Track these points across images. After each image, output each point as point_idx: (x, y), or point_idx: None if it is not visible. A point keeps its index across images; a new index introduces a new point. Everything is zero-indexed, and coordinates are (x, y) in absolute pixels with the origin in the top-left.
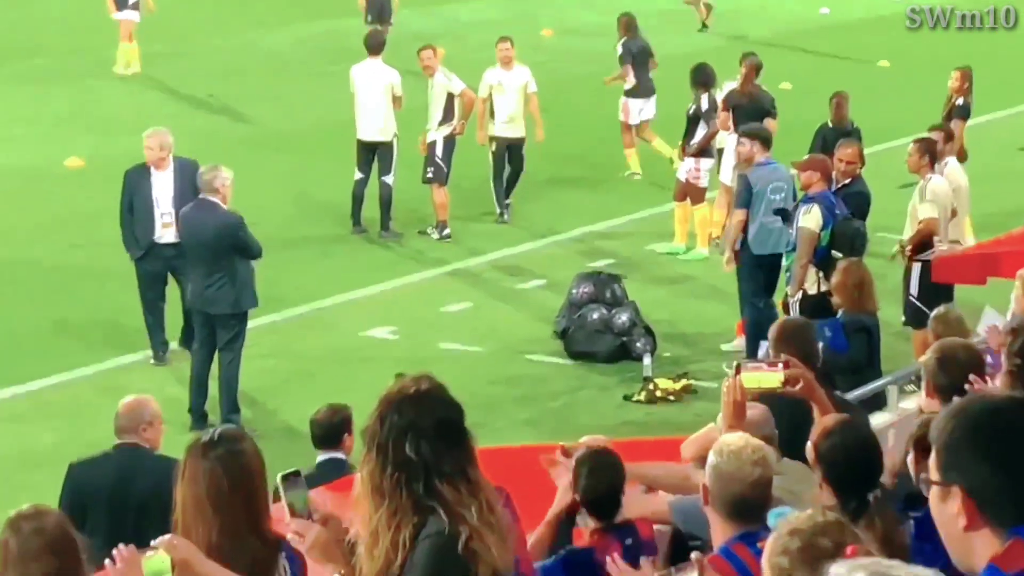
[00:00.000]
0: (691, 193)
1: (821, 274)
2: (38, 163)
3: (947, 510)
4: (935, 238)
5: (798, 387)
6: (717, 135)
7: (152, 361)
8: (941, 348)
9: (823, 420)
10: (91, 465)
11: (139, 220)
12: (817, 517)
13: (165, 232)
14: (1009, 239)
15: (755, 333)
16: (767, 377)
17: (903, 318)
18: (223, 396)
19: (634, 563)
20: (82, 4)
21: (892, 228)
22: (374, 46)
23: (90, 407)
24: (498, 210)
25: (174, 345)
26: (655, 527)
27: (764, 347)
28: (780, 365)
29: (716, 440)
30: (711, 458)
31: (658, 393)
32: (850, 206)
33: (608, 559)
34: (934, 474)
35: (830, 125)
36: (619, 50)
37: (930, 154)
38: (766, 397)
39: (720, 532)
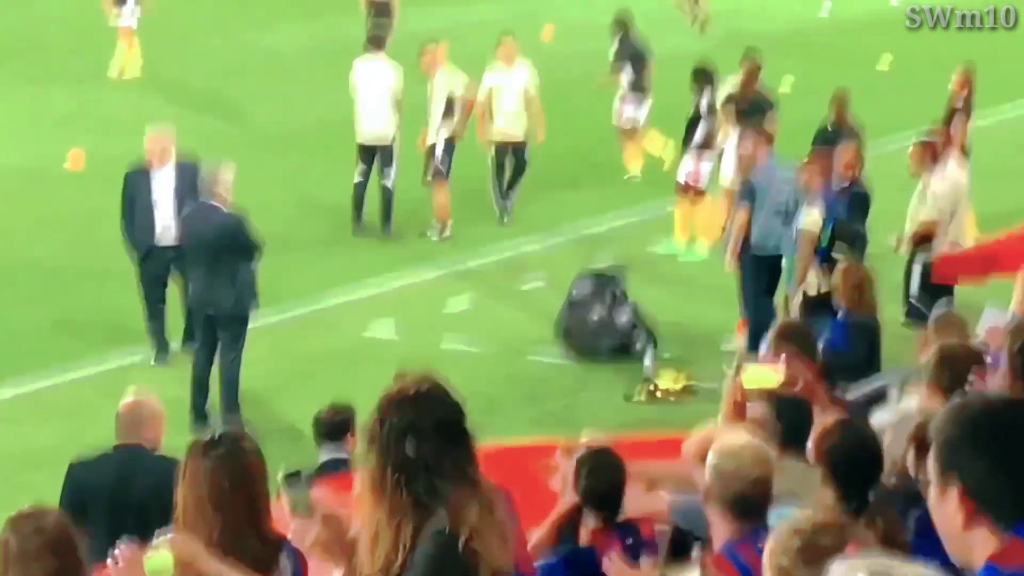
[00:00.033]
0: (691, 193)
1: (821, 275)
2: (38, 163)
3: (945, 508)
4: (935, 238)
5: (798, 387)
6: (717, 135)
7: (153, 362)
8: (941, 348)
9: (824, 420)
10: (91, 465)
11: (139, 222)
12: (818, 516)
13: (166, 233)
14: (1009, 239)
15: (756, 333)
16: (767, 377)
17: (903, 318)
18: (224, 396)
19: (636, 562)
20: (82, 4)
21: (892, 229)
22: (376, 42)
23: (90, 408)
24: (498, 211)
25: (175, 346)
26: (656, 526)
27: (764, 347)
28: (781, 365)
29: (717, 439)
30: (711, 457)
31: (659, 393)
32: (850, 207)
33: (605, 558)
34: (933, 473)
35: (830, 126)
36: (614, 49)
37: (931, 154)
38: (767, 397)
39: (721, 531)
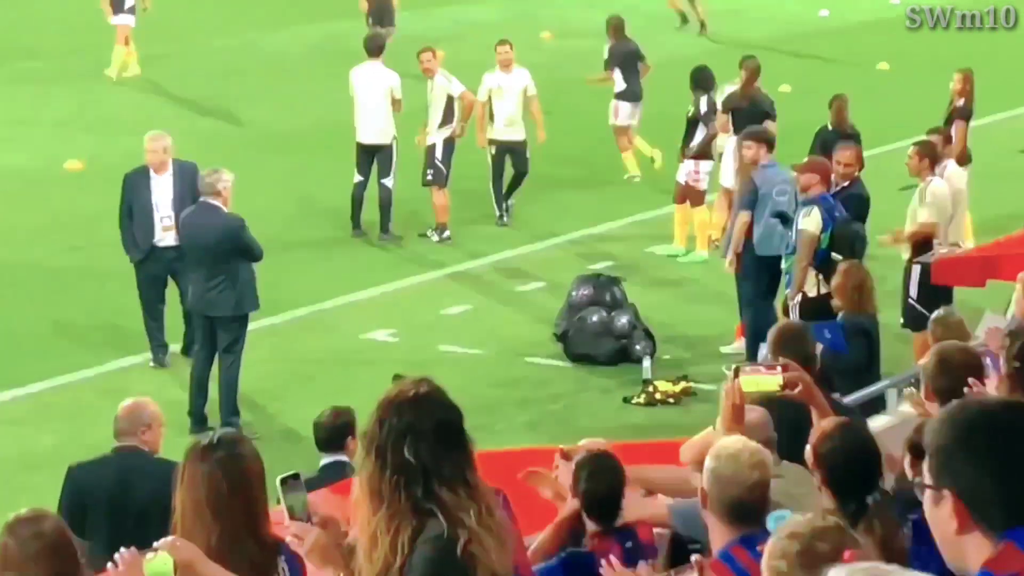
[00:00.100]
0: (691, 196)
1: (821, 276)
2: (38, 165)
3: (940, 513)
4: (935, 241)
5: (797, 390)
6: (716, 138)
7: (152, 364)
8: (940, 351)
9: (822, 423)
10: (91, 468)
11: (139, 223)
12: (816, 521)
13: (165, 235)
14: (1008, 242)
15: (755, 336)
16: (766, 380)
17: (902, 320)
18: (223, 399)
19: (634, 566)
20: (82, 5)
21: (891, 231)
22: (373, 48)
23: (90, 409)
24: (498, 212)
25: (174, 348)
26: (655, 530)
27: (764, 350)
28: (779, 368)
29: (714, 443)
30: (709, 462)
31: (658, 396)
32: (849, 209)
33: (603, 562)
34: (927, 478)
35: (830, 128)
36: (605, 53)
37: (930, 157)
38: (765, 400)
39: (718, 536)
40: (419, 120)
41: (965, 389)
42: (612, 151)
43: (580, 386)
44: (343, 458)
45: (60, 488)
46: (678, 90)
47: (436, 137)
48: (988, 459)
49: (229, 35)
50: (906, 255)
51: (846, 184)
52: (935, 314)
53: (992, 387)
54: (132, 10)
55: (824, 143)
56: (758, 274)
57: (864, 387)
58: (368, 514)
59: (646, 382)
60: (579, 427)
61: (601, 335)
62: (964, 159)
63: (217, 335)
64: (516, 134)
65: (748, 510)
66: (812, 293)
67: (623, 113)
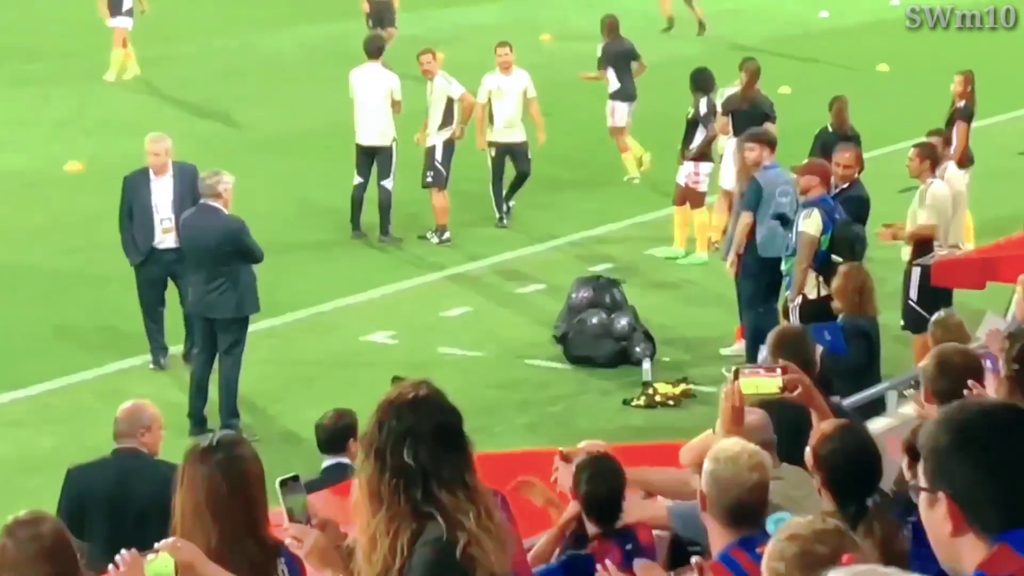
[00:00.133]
0: (690, 198)
1: (821, 278)
2: (37, 166)
3: (934, 516)
4: (935, 242)
5: (796, 393)
6: (716, 140)
7: (151, 366)
8: (939, 353)
9: (822, 425)
10: (90, 470)
11: (139, 225)
12: (816, 524)
13: (165, 237)
14: (1008, 244)
15: (755, 338)
16: (765, 383)
17: (902, 322)
18: (223, 401)
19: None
20: (81, 6)
21: (889, 224)
22: (373, 50)
23: (90, 411)
24: (497, 214)
25: (173, 350)
26: (654, 532)
27: (764, 352)
28: (778, 371)
29: (713, 445)
30: (707, 464)
31: (657, 398)
32: (848, 210)
33: (599, 567)
34: (922, 480)
35: (830, 129)
36: (599, 52)
37: (931, 159)
38: (765, 403)
39: (718, 538)
40: (419, 122)
41: (965, 391)
42: (612, 153)
43: (580, 388)
44: (345, 460)
45: (59, 490)
46: (677, 92)
47: (436, 139)
48: (982, 461)
49: (228, 36)
50: (906, 256)
51: (846, 186)
52: (935, 316)
53: (992, 389)
54: (130, 12)
55: (824, 145)
56: (759, 275)
57: (864, 389)
58: (367, 516)
59: (646, 384)
60: (578, 429)
61: (601, 337)
62: (966, 161)
63: (218, 337)
64: (516, 135)
65: (747, 512)
66: (812, 295)
67: (620, 113)
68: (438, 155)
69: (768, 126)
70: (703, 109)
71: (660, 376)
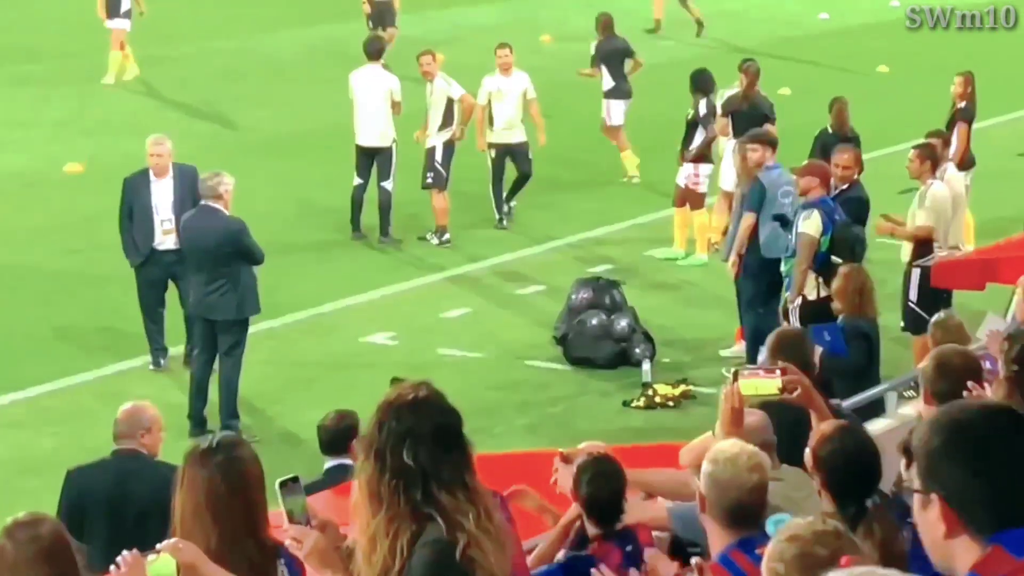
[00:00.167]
0: (690, 199)
1: (821, 279)
2: (37, 166)
3: (928, 517)
4: (935, 244)
5: (796, 394)
6: (716, 141)
7: (151, 367)
8: (939, 354)
9: (822, 426)
10: (90, 471)
11: (139, 226)
12: (816, 525)
13: (165, 238)
14: (1008, 245)
15: (755, 339)
16: (765, 384)
17: (902, 324)
18: (223, 402)
19: (635, 569)
20: (81, 7)
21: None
22: (373, 52)
23: (89, 413)
24: (497, 216)
25: (173, 351)
26: (654, 534)
27: (763, 354)
28: (778, 372)
29: (712, 447)
30: (706, 466)
31: (657, 399)
32: (848, 211)
33: (593, 571)
34: (916, 482)
35: (830, 131)
36: (592, 50)
37: (931, 160)
38: (764, 404)
39: (717, 539)
40: (419, 123)
41: (964, 393)
42: (611, 154)
43: (579, 389)
44: (347, 461)
45: (59, 491)
46: (677, 93)
47: (436, 140)
48: (975, 462)
49: (228, 37)
50: (905, 258)
51: (845, 187)
52: (935, 317)
53: (991, 390)
54: (128, 14)
55: (824, 146)
56: (760, 276)
57: (864, 390)
58: (367, 517)
59: (645, 385)
60: (578, 430)
61: (600, 338)
62: (967, 162)
63: (218, 338)
64: (515, 136)
65: (746, 513)
66: (812, 296)
67: (616, 112)
68: (438, 156)
69: (768, 127)
70: (703, 110)
71: (660, 377)
